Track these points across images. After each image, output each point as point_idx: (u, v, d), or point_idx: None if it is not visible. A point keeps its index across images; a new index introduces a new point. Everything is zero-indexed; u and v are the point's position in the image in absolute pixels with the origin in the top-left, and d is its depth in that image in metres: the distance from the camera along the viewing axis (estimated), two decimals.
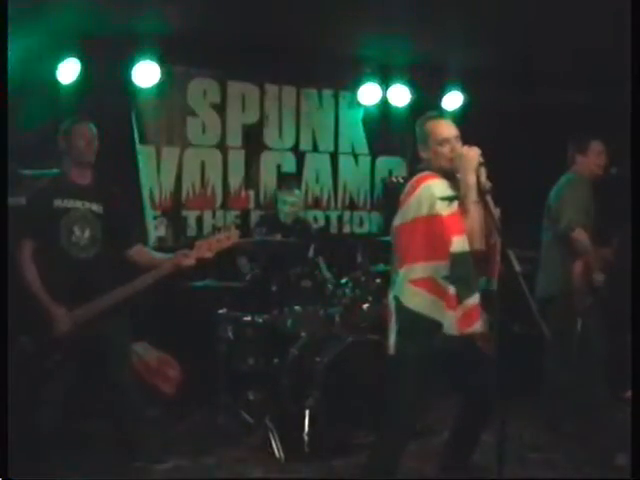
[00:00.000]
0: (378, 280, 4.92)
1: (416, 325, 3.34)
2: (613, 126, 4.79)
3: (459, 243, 3.27)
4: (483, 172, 3.27)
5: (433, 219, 3.27)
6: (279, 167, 6.20)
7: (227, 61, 5.65)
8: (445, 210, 3.27)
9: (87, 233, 3.76)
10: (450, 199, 3.29)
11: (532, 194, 4.83)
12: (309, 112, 6.31)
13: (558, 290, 4.53)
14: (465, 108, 6.28)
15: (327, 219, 6.52)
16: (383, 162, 6.69)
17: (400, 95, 6.19)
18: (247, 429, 4.59)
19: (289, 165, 6.26)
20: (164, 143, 5.74)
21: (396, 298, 3.39)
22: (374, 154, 6.65)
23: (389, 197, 6.36)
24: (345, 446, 4.25)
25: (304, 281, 4.90)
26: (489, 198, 3.27)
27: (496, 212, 3.31)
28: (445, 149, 3.39)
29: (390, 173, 6.66)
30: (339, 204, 6.55)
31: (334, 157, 6.49)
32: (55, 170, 3.94)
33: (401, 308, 3.37)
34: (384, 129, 6.53)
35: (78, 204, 3.76)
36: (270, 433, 4.36)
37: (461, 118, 5.82)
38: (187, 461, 4.17)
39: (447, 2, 4.43)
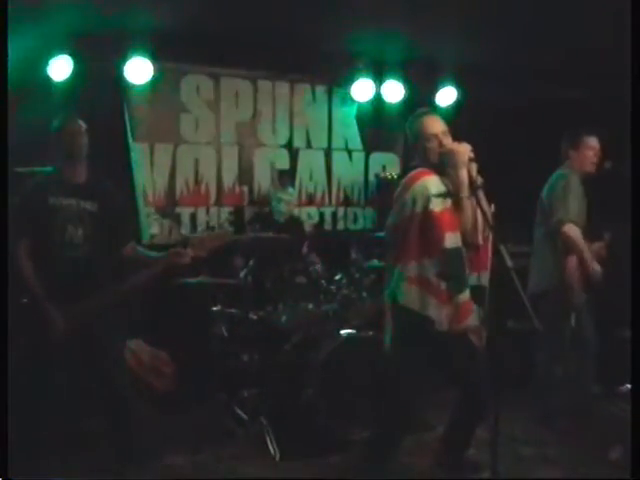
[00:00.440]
0: (372, 276, 4.94)
1: (410, 322, 3.35)
2: (606, 121, 4.80)
3: (452, 239, 3.29)
4: (474, 167, 3.28)
5: (428, 216, 3.28)
6: (273, 164, 6.21)
7: (220, 58, 5.64)
8: (439, 206, 3.28)
9: (81, 231, 3.75)
10: (444, 196, 3.30)
11: (526, 190, 4.83)
12: (303, 108, 6.31)
13: (551, 285, 4.53)
14: (459, 104, 6.28)
15: (321, 216, 6.53)
16: (377, 158, 6.69)
17: (394, 91, 6.17)
18: (242, 426, 4.57)
19: (283, 161, 6.26)
20: (157, 140, 5.74)
21: (391, 295, 3.40)
22: (368, 150, 6.65)
23: (383, 193, 6.36)
24: (340, 443, 4.24)
25: (298, 277, 4.90)
26: (481, 193, 3.28)
27: (490, 208, 3.32)
28: (433, 144, 3.39)
29: (384, 169, 6.65)
30: (333, 200, 6.56)
31: (328, 153, 6.49)
32: (49, 168, 3.93)
33: (396, 305, 3.38)
34: (378, 125, 6.53)
35: (72, 202, 3.75)
36: (265, 430, 4.36)
37: (455, 114, 5.84)
38: (182, 458, 4.16)
39: None
